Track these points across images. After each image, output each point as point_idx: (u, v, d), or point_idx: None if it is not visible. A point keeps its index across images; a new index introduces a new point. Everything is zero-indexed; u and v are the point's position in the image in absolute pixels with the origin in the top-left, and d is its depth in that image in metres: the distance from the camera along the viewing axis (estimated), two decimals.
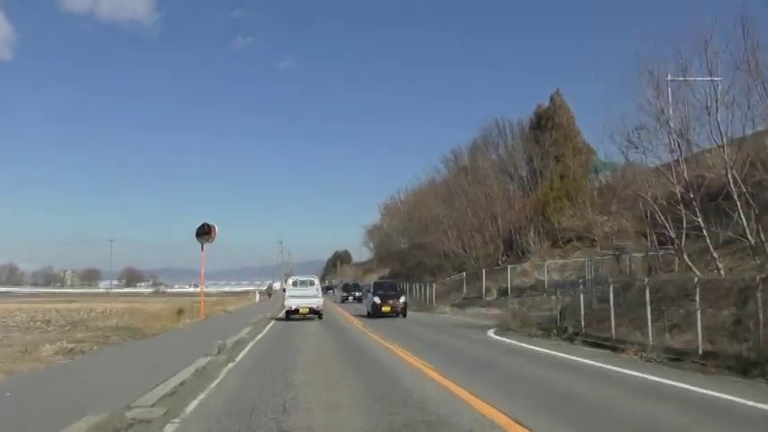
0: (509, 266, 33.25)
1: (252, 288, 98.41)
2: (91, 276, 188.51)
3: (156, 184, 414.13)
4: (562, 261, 31.24)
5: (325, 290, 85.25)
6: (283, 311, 26.82)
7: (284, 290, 30.02)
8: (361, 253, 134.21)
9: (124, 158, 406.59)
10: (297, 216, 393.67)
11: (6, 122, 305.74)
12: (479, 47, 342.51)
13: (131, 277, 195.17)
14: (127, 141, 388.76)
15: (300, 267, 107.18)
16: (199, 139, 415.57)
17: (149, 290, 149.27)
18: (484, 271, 33.50)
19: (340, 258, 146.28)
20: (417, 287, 44.80)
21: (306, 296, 26.34)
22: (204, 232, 25.86)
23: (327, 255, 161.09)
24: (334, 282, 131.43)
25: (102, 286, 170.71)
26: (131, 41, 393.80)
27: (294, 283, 27.88)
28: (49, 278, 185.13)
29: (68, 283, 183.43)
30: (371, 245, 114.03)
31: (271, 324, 23.45)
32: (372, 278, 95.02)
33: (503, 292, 31.02)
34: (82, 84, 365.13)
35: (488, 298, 31.87)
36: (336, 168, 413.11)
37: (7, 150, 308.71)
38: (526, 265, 32.75)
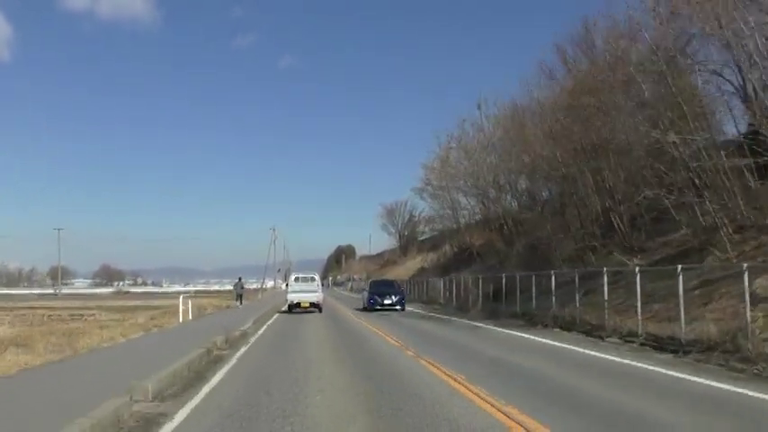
0: None
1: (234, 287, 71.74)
2: (56, 275, 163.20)
3: (158, 184, 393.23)
4: None
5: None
6: (285, 305, 29.08)
7: (287, 285, 33.14)
8: (371, 244, 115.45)
9: (125, 156, 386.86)
10: (297, 214, 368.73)
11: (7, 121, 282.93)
12: (481, 42, 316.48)
13: (110, 276, 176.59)
14: (128, 140, 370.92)
15: (298, 267, 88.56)
16: (199, 139, 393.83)
17: (110, 290, 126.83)
18: None
19: (344, 253, 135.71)
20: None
21: (307, 291, 28.32)
22: None
23: (326, 253, 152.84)
24: (339, 278, 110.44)
25: (78, 285, 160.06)
26: (133, 40, 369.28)
27: (296, 279, 29.86)
28: (4, 277, 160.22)
29: (27, 281, 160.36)
30: (393, 229, 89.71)
31: None
32: (397, 273, 71.80)
33: None
34: (81, 83, 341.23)
35: None
36: (337, 167, 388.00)
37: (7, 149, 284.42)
38: None
